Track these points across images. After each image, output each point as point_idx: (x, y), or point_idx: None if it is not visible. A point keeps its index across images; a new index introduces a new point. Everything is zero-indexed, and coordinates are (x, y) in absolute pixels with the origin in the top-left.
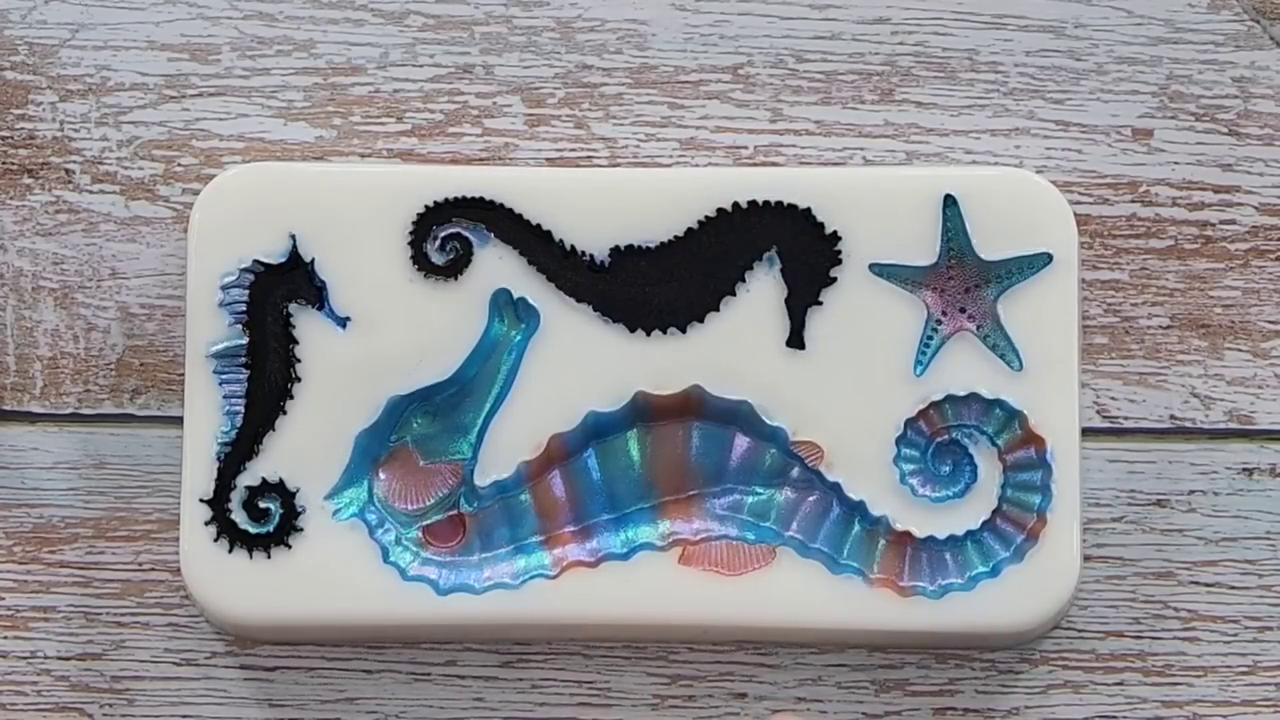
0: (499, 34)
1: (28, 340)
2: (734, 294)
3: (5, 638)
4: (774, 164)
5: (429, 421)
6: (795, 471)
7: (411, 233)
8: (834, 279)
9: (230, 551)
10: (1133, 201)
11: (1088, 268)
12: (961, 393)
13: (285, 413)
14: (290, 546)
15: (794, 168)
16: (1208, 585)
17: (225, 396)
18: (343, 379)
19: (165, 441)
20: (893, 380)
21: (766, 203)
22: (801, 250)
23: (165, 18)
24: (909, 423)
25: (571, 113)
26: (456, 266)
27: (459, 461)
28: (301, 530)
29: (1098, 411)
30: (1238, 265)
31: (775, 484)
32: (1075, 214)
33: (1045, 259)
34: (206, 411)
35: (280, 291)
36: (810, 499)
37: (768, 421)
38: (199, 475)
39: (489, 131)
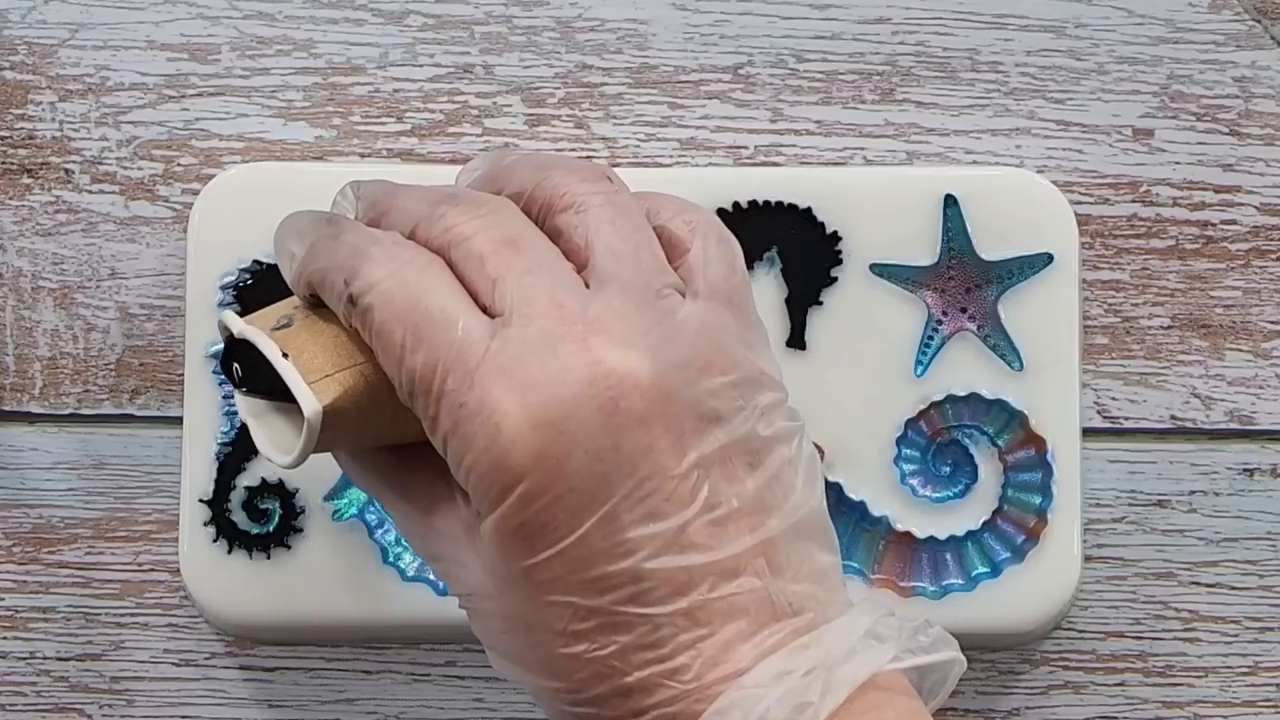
0: (499, 34)
1: (27, 340)
2: None
3: (5, 638)
4: (774, 164)
5: None
6: None
7: None
8: (834, 279)
9: (230, 552)
10: (1133, 201)
11: (1088, 268)
12: (962, 393)
13: None
14: (290, 547)
15: (794, 167)
16: (1208, 586)
17: (225, 396)
18: None
19: (165, 442)
20: (893, 380)
21: (767, 202)
22: (802, 250)
23: (165, 17)
24: (909, 423)
25: (571, 113)
26: None
27: None
28: (301, 531)
29: (1098, 412)
30: (1239, 265)
31: None
32: (1076, 214)
33: (1046, 259)
34: (206, 411)
35: (280, 291)
36: None
37: None
38: (199, 475)
39: (489, 131)
